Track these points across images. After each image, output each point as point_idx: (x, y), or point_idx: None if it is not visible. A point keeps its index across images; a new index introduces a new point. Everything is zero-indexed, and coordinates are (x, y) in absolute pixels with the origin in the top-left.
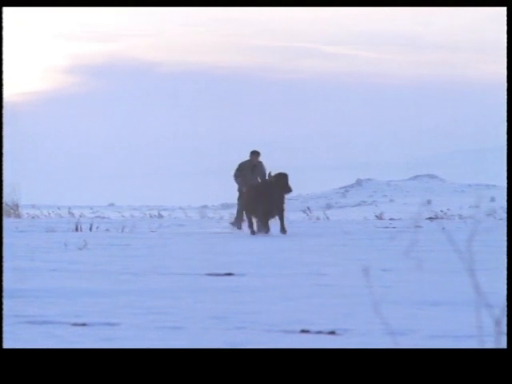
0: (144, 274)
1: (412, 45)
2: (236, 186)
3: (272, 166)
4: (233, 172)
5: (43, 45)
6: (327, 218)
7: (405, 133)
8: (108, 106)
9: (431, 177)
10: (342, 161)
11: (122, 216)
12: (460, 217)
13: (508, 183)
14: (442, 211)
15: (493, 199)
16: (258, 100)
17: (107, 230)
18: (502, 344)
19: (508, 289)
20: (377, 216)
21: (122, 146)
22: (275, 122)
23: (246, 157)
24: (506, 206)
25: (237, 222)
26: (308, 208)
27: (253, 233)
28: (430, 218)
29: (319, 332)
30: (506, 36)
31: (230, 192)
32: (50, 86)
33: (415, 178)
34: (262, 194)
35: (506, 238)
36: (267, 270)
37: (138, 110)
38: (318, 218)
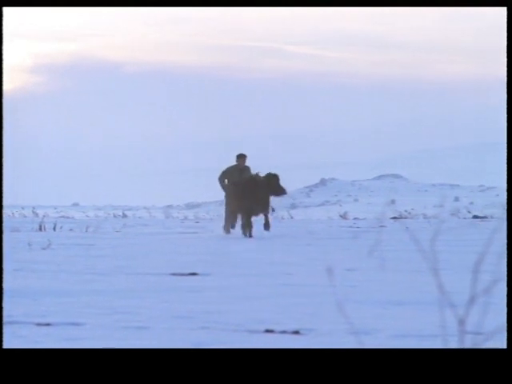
0: (108, 273)
1: (375, 45)
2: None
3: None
4: (218, 176)
5: (4, 44)
6: (291, 217)
7: (369, 132)
8: (72, 105)
9: (395, 176)
10: (307, 160)
11: (87, 216)
12: (424, 216)
13: (508, 183)
14: (406, 211)
15: (457, 199)
16: (222, 99)
17: (71, 229)
18: (466, 343)
19: (508, 288)
20: (341, 216)
21: (86, 146)
22: (239, 122)
23: (211, 156)
24: (470, 206)
25: (226, 227)
26: (272, 208)
27: (228, 232)
28: (394, 218)
29: (283, 332)
30: (506, 36)
31: (195, 192)
32: (12, 85)
33: (379, 177)
34: (247, 192)
35: (469, 237)
36: (231, 269)
37: (101, 109)
38: (282, 218)
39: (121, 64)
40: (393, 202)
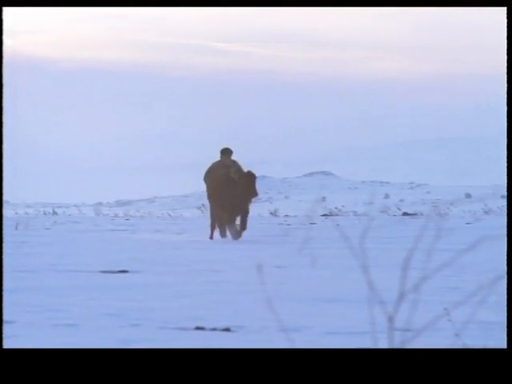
0: (39, 271)
1: (310, 42)
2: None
3: (163, 163)
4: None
5: None
6: None
7: (299, 130)
8: (6, 102)
9: (326, 174)
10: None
11: (16, 213)
12: (354, 213)
13: (508, 183)
14: (336, 208)
15: (387, 196)
16: (153, 97)
17: None
18: (395, 341)
19: (508, 289)
20: (271, 213)
21: (15, 142)
22: (167, 119)
23: (141, 154)
24: (400, 203)
25: (212, 229)
26: (203, 205)
27: (223, 235)
28: (325, 215)
29: (214, 329)
30: (506, 36)
31: (125, 189)
32: None
33: (310, 174)
34: (227, 189)
35: (398, 234)
36: (162, 267)
37: (31, 106)
38: None
39: (54, 61)
40: (323, 199)
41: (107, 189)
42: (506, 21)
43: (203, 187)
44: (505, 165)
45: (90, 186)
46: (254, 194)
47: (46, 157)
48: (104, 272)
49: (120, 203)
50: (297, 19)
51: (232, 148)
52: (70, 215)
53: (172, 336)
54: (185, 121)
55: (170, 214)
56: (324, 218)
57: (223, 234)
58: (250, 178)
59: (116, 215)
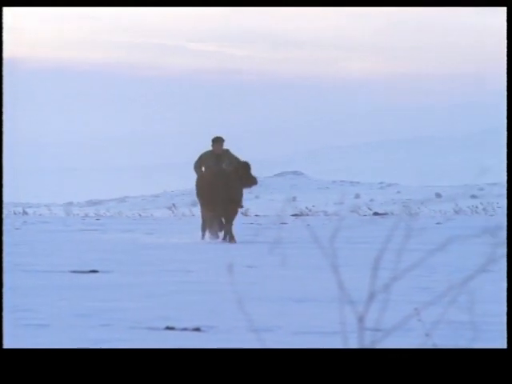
0: (9, 271)
1: (280, 42)
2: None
3: (134, 163)
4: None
5: None
6: (193, 215)
7: (269, 129)
8: None
9: (296, 174)
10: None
11: None
12: (325, 213)
13: (508, 183)
14: (306, 208)
15: (357, 196)
16: (123, 97)
17: None
18: (365, 341)
19: (508, 289)
20: (242, 213)
21: None
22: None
23: (111, 154)
24: (370, 203)
25: (203, 229)
26: (173, 205)
27: (203, 237)
28: (295, 215)
29: (184, 329)
30: (506, 36)
31: (96, 189)
32: None
33: (280, 174)
34: (218, 182)
35: (369, 234)
36: (132, 267)
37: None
38: (183, 215)
39: (28, 61)
40: (294, 199)
41: (78, 189)
42: (506, 21)
43: (174, 187)
44: (475, 165)
45: (61, 186)
46: (253, 181)
47: (15, 157)
48: (74, 272)
49: (90, 203)
50: (271, 19)
51: (204, 149)
52: (40, 215)
53: (142, 336)
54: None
55: (140, 214)
56: (294, 217)
57: (214, 235)
58: (245, 167)
59: (86, 215)
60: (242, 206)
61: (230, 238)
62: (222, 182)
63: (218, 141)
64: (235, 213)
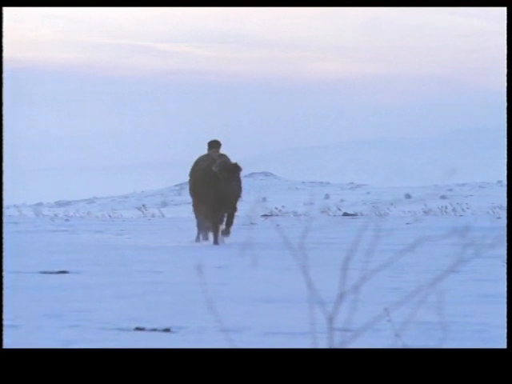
0: None
1: (249, 43)
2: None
3: (102, 163)
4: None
5: None
6: (162, 215)
7: (238, 130)
8: None
9: (266, 174)
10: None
11: None
12: (294, 214)
13: (508, 183)
14: (276, 208)
15: (327, 196)
16: (91, 97)
17: None
18: (335, 341)
19: (508, 289)
20: None
21: None
22: (107, 120)
23: (79, 155)
24: (340, 203)
25: (198, 233)
26: (143, 205)
27: (205, 238)
28: (265, 216)
29: (154, 329)
30: (506, 36)
31: (65, 190)
32: None
33: (250, 175)
34: (208, 183)
35: (339, 234)
36: (102, 267)
37: None
38: (153, 216)
39: None
40: (264, 199)
41: (47, 189)
42: (506, 21)
43: (143, 188)
44: (444, 165)
45: (31, 187)
46: (237, 190)
47: None
48: (44, 273)
49: (60, 204)
50: (239, 20)
51: (173, 149)
52: (9, 216)
53: (112, 337)
54: (125, 121)
55: (110, 215)
56: (264, 218)
57: (205, 237)
58: (232, 170)
59: (56, 216)
60: (236, 209)
61: (214, 239)
62: (213, 180)
63: (214, 145)
64: (227, 211)
